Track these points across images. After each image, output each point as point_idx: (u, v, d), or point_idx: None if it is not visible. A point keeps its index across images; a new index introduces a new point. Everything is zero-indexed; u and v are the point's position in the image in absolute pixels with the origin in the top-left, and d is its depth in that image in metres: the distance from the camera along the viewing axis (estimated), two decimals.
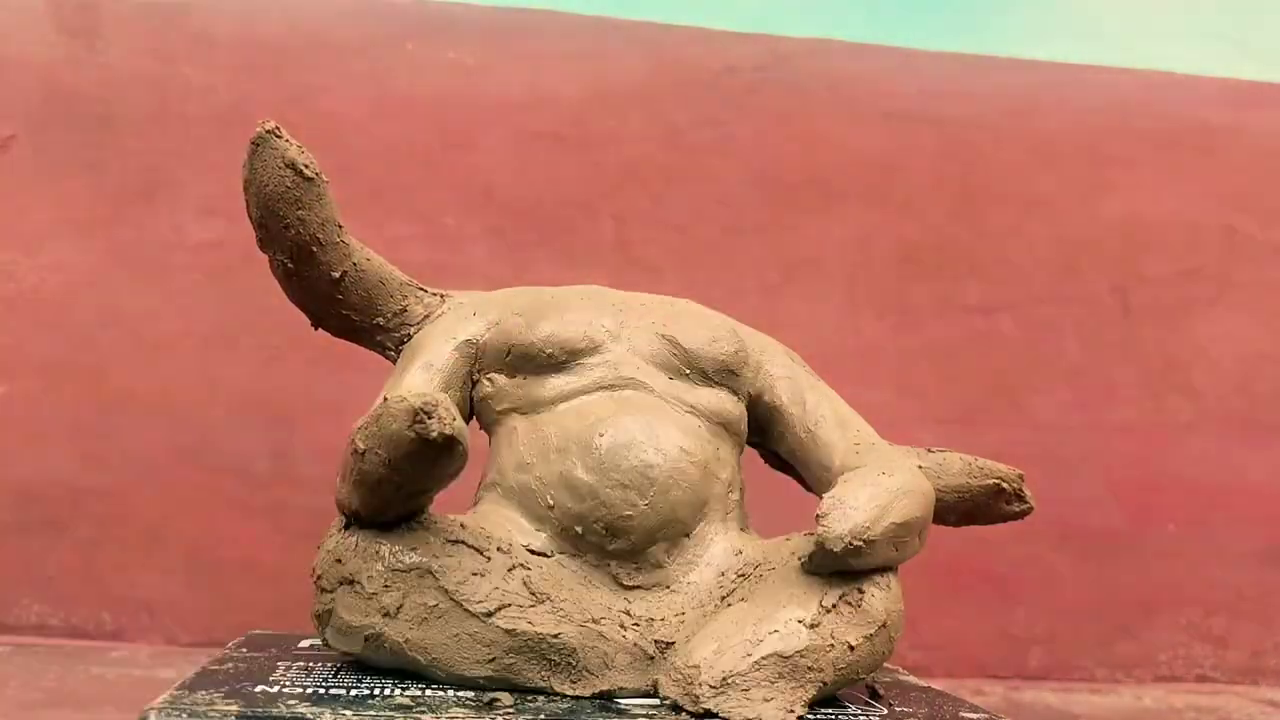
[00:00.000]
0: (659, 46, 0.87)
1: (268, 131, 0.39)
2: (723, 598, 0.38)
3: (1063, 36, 0.91)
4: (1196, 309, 0.89)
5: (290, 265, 0.41)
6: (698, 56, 0.87)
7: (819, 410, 0.43)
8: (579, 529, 0.38)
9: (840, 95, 0.88)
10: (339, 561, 0.36)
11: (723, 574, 0.39)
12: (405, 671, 0.37)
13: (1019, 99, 0.89)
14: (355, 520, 0.36)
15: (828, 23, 0.89)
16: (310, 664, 0.38)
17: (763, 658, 0.34)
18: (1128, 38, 0.92)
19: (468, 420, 0.42)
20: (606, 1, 0.87)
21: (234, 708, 0.31)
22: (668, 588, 0.39)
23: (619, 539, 0.38)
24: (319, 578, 0.37)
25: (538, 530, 0.39)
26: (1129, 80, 0.90)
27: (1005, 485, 0.44)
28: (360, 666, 0.38)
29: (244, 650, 0.41)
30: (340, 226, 0.41)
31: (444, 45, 0.85)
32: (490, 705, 0.34)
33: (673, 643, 0.37)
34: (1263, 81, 0.92)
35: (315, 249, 0.41)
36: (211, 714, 0.30)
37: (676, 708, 0.34)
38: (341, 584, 0.36)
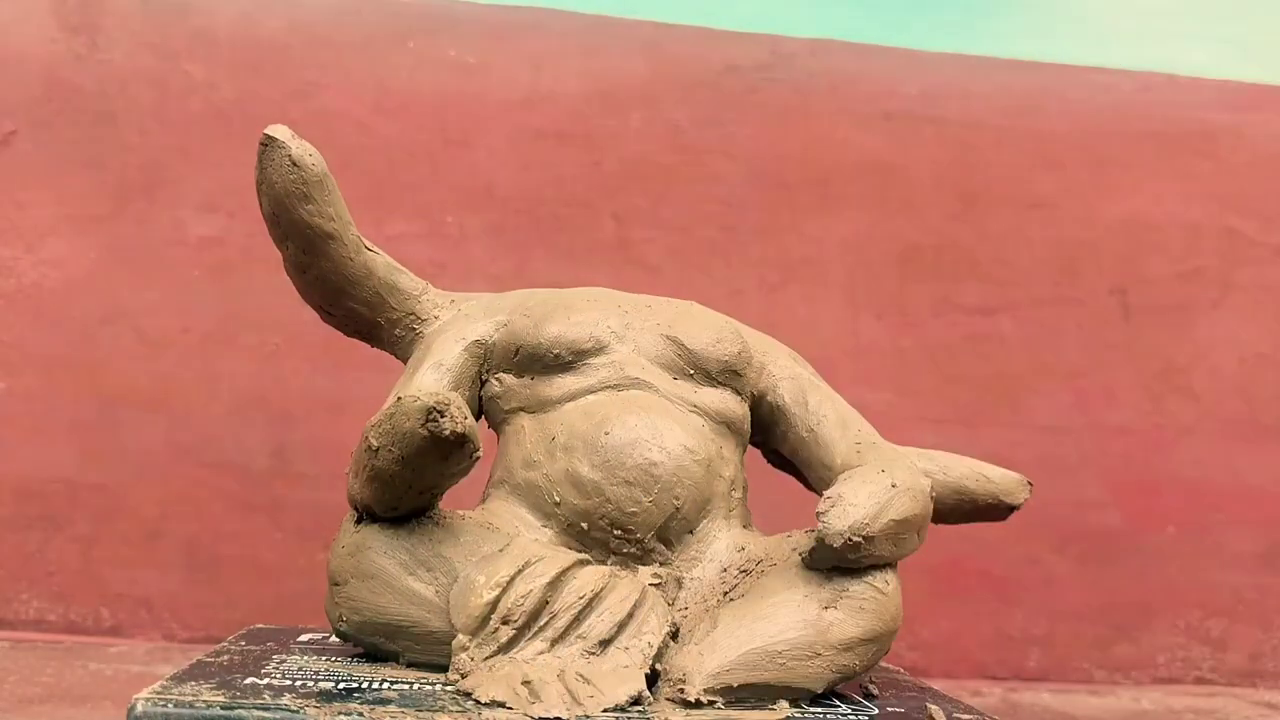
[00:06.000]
0: (660, 45, 0.87)
1: (276, 134, 0.40)
2: (725, 593, 0.39)
3: (1063, 37, 0.92)
4: (1197, 311, 0.89)
5: (303, 260, 0.42)
6: (699, 56, 0.87)
7: (820, 410, 0.44)
8: (585, 525, 0.39)
9: (841, 95, 0.88)
10: (352, 555, 0.37)
11: (725, 570, 0.40)
12: (399, 665, 0.37)
13: (1019, 99, 0.90)
14: (367, 515, 0.38)
15: (829, 23, 0.89)
16: (305, 657, 0.39)
17: (758, 653, 0.35)
18: (1128, 39, 0.92)
19: (476, 419, 0.43)
20: (608, 0, 0.87)
21: (219, 697, 0.32)
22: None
23: (624, 535, 0.39)
24: (333, 572, 0.38)
25: (544, 526, 0.40)
26: (1129, 81, 0.91)
27: (1004, 502, 0.46)
28: (354, 660, 0.38)
29: (242, 643, 0.41)
30: (351, 225, 0.42)
31: (445, 43, 0.85)
32: (491, 705, 0.34)
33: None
34: (1263, 84, 0.92)
35: (326, 246, 0.42)
36: (197, 704, 0.31)
37: (674, 701, 0.35)
38: (355, 577, 0.37)
